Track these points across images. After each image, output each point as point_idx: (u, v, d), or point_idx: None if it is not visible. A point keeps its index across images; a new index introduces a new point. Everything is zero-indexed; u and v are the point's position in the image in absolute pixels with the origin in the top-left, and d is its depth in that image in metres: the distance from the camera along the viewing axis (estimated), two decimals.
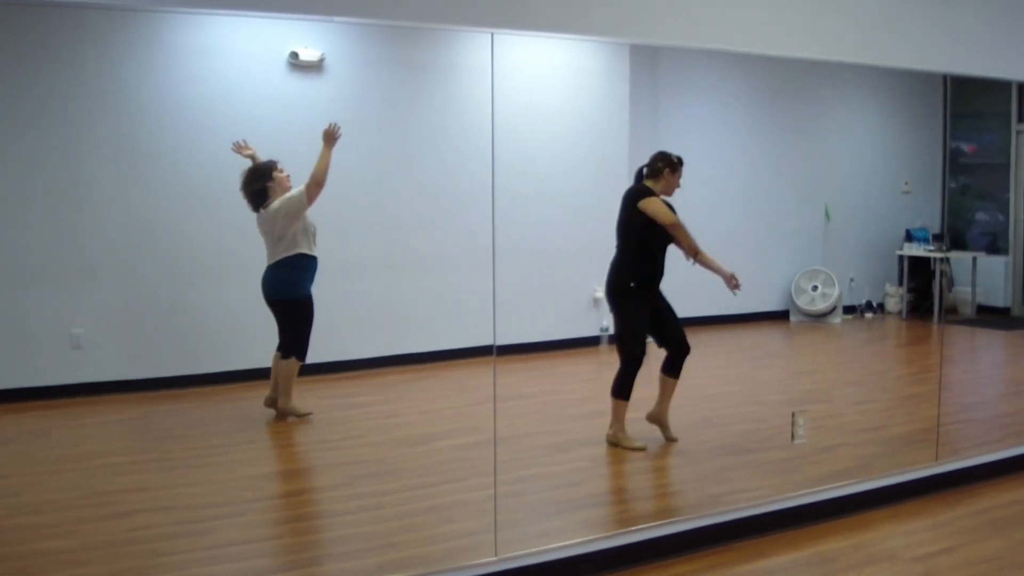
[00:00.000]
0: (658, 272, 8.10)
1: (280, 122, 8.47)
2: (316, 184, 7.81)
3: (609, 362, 9.68)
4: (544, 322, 9.39)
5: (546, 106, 10.00)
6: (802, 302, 11.65)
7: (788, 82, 11.27)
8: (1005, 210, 12.46)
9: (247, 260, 8.18)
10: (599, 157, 10.30)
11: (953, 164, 12.36)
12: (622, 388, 8.04)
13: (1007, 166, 12.47)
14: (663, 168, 8.00)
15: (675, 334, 8.13)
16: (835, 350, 11.38)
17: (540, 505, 6.89)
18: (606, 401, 8.02)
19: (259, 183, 7.97)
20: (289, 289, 8.03)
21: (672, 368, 8.13)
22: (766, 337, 9.32)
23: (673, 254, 8.01)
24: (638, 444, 7.98)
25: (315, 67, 8.56)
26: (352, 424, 8.30)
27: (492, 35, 5.81)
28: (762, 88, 11.38)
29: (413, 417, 8.59)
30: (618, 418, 8.04)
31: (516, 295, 9.01)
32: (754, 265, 11.62)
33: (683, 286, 10.48)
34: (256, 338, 8.27)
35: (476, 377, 7.87)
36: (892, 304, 11.99)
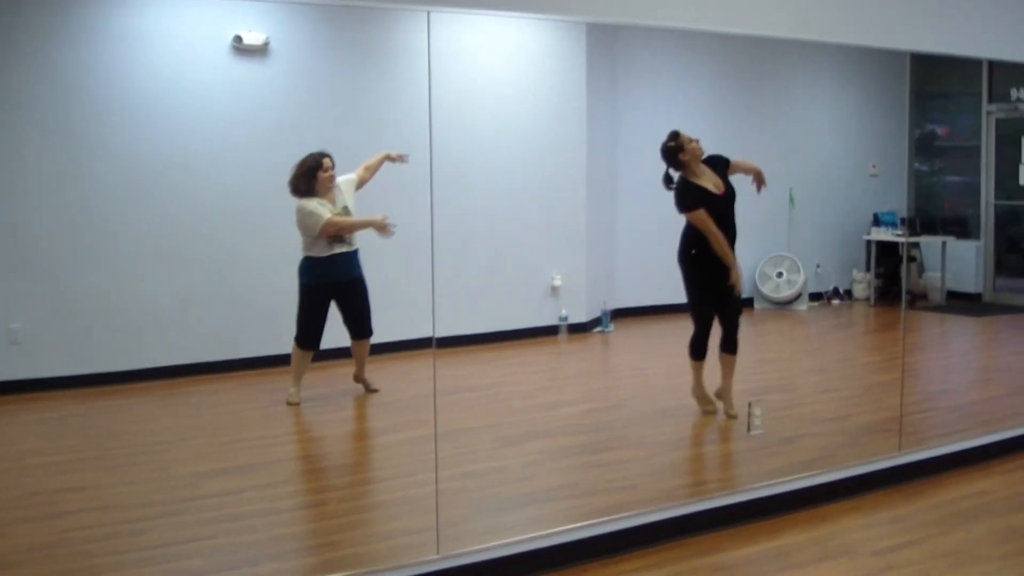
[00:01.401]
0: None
1: (224, 108, 8.31)
2: (331, 229, 8.03)
3: (567, 352, 9.55)
4: (500, 311, 9.16)
5: (500, 88, 9.81)
6: (767, 289, 11.54)
7: (751, 63, 11.22)
8: (976, 193, 12.36)
9: (189, 252, 8.05)
10: (556, 141, 10.12)
11: (927, 147, 12.26)
12: (694, 350, 8.35)
13: (978, 148, 12.39)
14: (675, 155, 8.18)
15: (729, 309, 8.34)
16: (800, 338, 11.23)
17: (488, 501, 6.70)
18: (560, 392, 7.95)
19: (300, 178, 8.05)
20: (299, 276, 8.09)
21: (725, 344, 8.35)
22: None
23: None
24: (709, 407, 8.32)
25: (260, 51, 8.37)
26: (293, 419, 8.11)
27: (428, 13, 5.59)
28: (724, 70, 11.32)
29: (360, 411, 8.41)
30: (694, 377, 8.35)
31: (471, 283, 8.85)
32: None
33: (643, 274, 10.36)
34: (198, 332, 8.11)
35: (425, 369, 7.76)
36: (860, 290, 11.81)
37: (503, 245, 9.48)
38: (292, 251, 8.21)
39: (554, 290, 9.76)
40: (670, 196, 9.91)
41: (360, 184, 8.30)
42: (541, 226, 9.73)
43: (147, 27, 8.05)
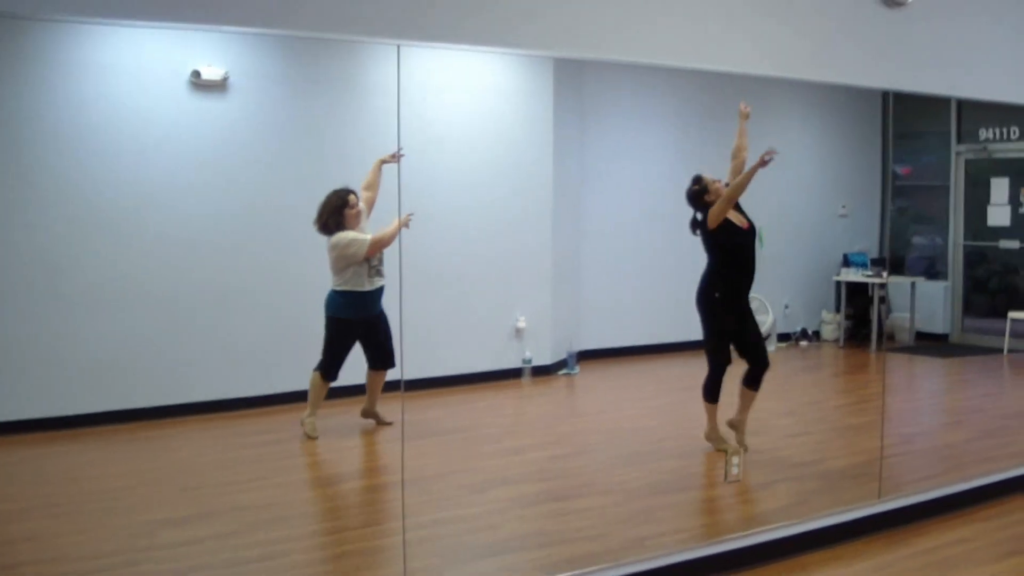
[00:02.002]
0: (742, 283, 8.39)
1: (182, 144, 8.09)
2: (378, 246, 7.97)
3: (532, 395, 9.36)
4: (463, 353, 8.93)
5: (466, 125, 9.65)
6: None
7: (720, 101, 11.12)
8: (943, 233, 12.30)
9: (144, 291, 7.82)
10: (522, 179, 9.98)
11: (891, 187, 12.20)
12: (709, 392, 8.32)
13: (945, 188, 12.37)
14: (701, 198, 8.39)
15: (754, 348, 8.42)
16: (768, 379, 11.01)
17: (456, 550, 6.50)
18: (527, 437, 7.86)
19: (329, 215, 8.00)
20: (330, 309, 8.07)
21: (750, 380, 8.39)
22: (695, 367, 8.97)
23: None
24: (723, 446, 8.06)
25: (218, 86, 8.19)
26: (257, 464, 7.84)
27: (398, 48, 5.41)
28: (692, 107, 11.26)
29: (321, 456, 8.14)
30: (710, 419, 8.26)
31: (434, 325, 8.65)
32: (684, 291, 11.33)
33: (610, 316, 10.20)
34: (155, 374, 7.88)
35: (386, 414, 7.61)
36: (828, 332, 11.69)
37: (467, 286, 9.29)
38: (254, 288, 8.09)
39: (518, 332, 9.59)
40: (632, 233, 10.01)
41: (369, 206, 8.19)
42: (506, 266, 9.55)
43: (101, 60, 7.84)
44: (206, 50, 8.08)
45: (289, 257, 8.22)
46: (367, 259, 7.99)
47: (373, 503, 7.10)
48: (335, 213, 7.91)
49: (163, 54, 8.02)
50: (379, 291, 8.07)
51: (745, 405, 8.34)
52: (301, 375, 8.19)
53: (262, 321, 8.13)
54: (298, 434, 8.16)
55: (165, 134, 8.00)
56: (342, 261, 7.97)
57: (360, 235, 7.96)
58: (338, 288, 8.02)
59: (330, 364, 8.01)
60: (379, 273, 8.07)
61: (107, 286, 7.73)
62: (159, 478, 7.51)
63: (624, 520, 6.88)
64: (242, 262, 8.06)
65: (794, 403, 10.19)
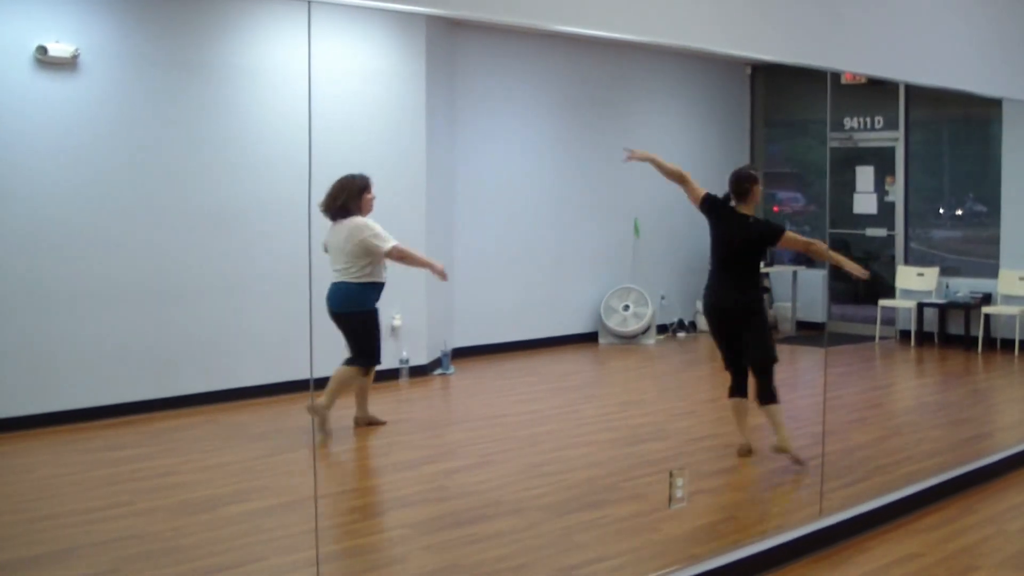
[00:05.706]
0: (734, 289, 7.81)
1: (25, 128, 7.69)
2: (398, 258, 7.98)
3: (411, 398, 8.87)
4: (337, 357, 8.26)
5: (334, 115, 9.08)
6: (613, 323, 11.24)
7: (596, 90, 11.16)
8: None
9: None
10: (395, 172, 9.65)
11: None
12: (729, 390, 7.90)
13: (802, 176, 12.75)
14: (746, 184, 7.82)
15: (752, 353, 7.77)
16: (656, 375, 10.71)
17: None
18: (415, 448, 7.83)
19: (350, 200, 7.91)
20: (356, 303, 8.08)
21: (759, 394, 7.68)
22: (578, 363, 8.50)
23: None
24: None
25: (68, 64, 7.77)
26: (117, 486, 7.03)
27: (309, 4, 5.01)
28: (568, 96, 11.32)
29: (193, 475, 7.35)
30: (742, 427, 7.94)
31: (298, 325, 8.10)
32: (560, 284, 11.24)
33: (483, 312, 9.79)
34: (7, 380, 7.43)
35: (263, 423, 6.94)
36: (704, 322, 11.45)
37: None
38: (109, 289, 7.78)
39: (395, 330, 9.10)
40: (506, 225, 9.67)
41: None
42: None
43: None
44: (54, 24, 7.75)
45: (152, 257, 7.99)
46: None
47: (253, 532, 6.27)
48: (356, 196, 7.80)
49: (3, 26, 7.66)
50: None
51: (775, 423, 7.68)
52: (161, 382, 7.96)
53: (124, 320, 7.82)
54: (161, 448, 7.62)
55: (6, 115, 7.66)
56: (361, 247, 7.90)
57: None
58: (372, 279, 8.05)
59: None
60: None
61: None
62: (9, 506, 6.69)
63: (545, 546, 6.19)
64: (96, 256, 7.77)
65: (690, 401, 9.74)
